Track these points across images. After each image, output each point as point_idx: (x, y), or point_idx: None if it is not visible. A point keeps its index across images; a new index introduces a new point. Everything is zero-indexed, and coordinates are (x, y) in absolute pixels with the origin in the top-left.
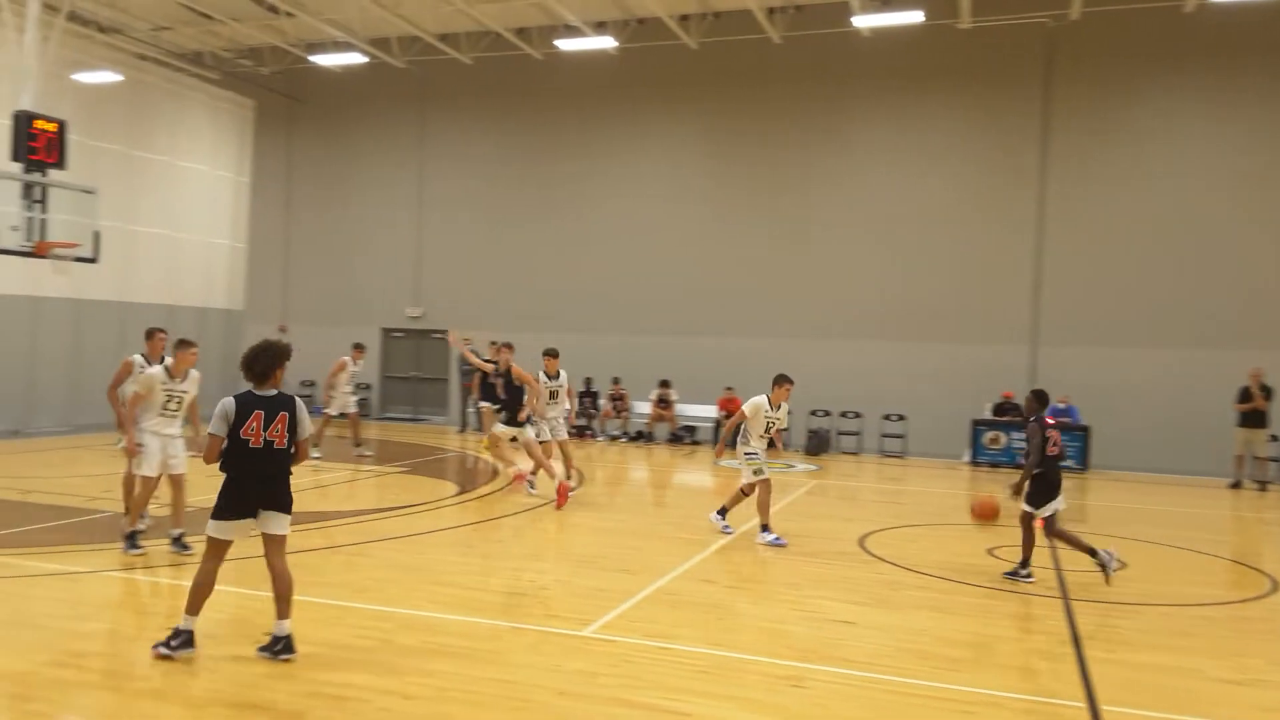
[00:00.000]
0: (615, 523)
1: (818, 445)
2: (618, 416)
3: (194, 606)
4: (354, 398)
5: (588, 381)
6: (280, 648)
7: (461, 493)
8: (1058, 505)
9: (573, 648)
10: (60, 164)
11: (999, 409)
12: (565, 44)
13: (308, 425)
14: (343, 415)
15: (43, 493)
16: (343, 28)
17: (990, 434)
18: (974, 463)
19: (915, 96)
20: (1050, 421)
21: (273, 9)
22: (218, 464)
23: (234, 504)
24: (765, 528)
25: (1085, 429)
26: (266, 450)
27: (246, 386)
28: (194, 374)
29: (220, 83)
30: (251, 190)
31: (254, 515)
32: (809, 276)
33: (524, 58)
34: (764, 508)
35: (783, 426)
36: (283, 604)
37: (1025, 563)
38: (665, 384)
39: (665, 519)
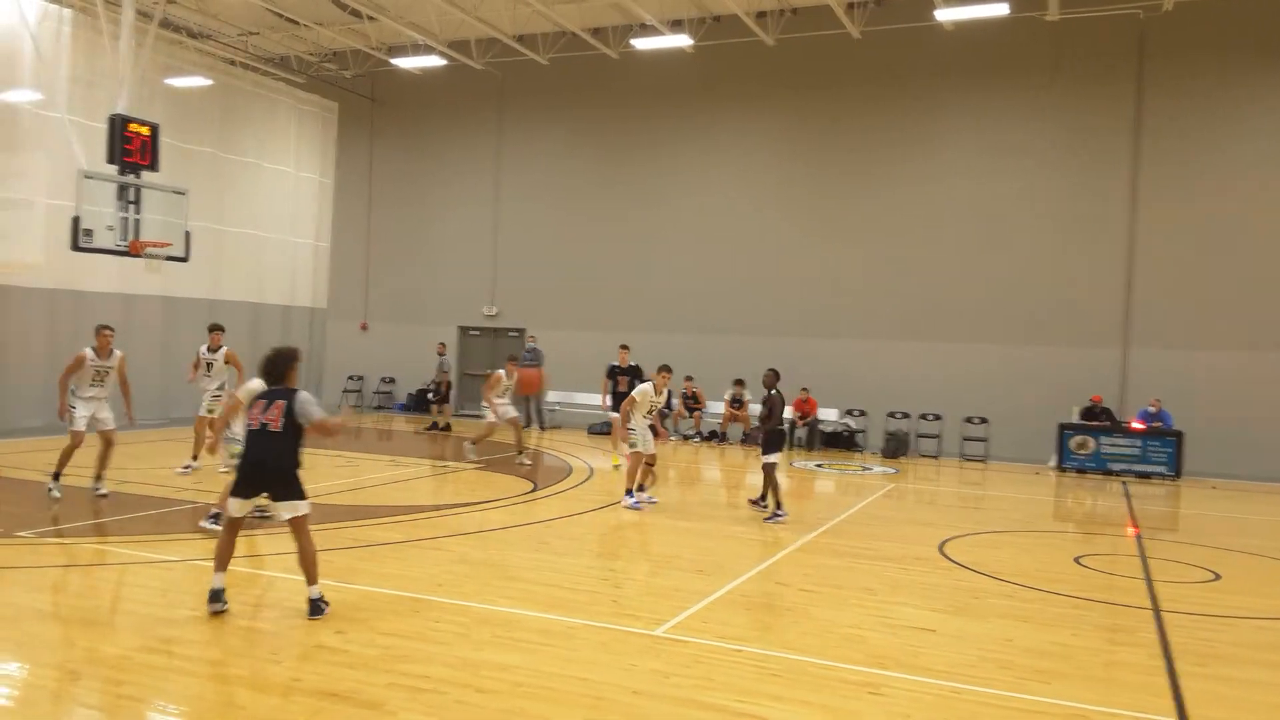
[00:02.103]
0: (688, 523)
1: (895, 448)
2: (690, 415)
3: (219, 565)
4: (510, 407)
5: None
6: (315, 609)
7: (535, 490)
8: (775, 458)
9: (645, 647)
10: (153, 166)
11: (1088, 413)
12: (641, 43)
13: (311, 412)
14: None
15: (136, 483)
16: (422, 31)
17: (1078, 438)
18: (1061, 468)
19: (1000, 93)
20: (781, 394)
21: (355, 14)
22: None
23: (240, 483)
24: (630, 492)
25: (1178, 434)
26: (262, 431)
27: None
28: (117, 352)
29: (305, 86)
30: (334, 191)
31: (260, 496)
32: (886, 277)
33: (600, 57)
34: (632, 475)
35: (660, 406)
36: (307, 572)
37: (778, 504)
38: (740, 383)
39: (738, 520)
